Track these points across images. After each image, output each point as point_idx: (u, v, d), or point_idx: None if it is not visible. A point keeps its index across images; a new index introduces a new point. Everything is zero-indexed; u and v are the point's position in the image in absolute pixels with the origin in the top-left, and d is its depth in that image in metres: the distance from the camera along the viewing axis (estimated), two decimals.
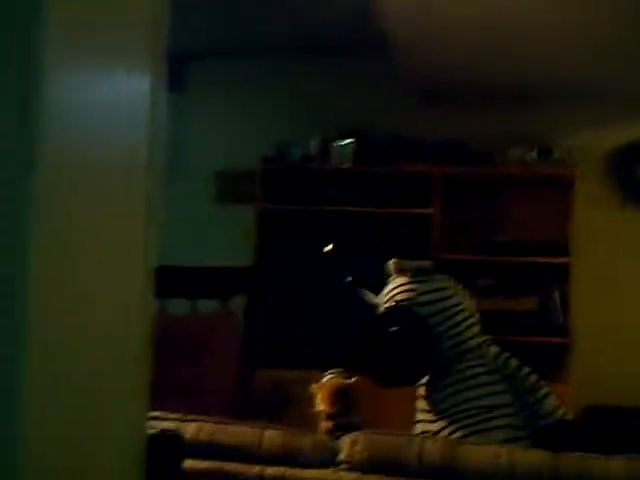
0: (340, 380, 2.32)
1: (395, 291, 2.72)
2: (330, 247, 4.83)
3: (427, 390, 2.66)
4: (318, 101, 5.42)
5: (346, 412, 2.22)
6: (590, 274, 5.02)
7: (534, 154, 4.91)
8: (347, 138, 5.08)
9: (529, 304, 4.75)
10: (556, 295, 4.75)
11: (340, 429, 2.15)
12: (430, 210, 4.90)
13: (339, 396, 2.25)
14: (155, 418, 2.05)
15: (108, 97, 1.14)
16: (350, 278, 3.20)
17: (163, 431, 1.50)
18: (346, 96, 5.41)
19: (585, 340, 4.86)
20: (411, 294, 2.68)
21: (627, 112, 5.14)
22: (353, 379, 2.35)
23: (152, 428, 1.61)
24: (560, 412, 2.55)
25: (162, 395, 3.60)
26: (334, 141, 5.07)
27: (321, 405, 2.25)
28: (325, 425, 2.20)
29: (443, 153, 5.04)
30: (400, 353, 2.62)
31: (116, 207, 1.16)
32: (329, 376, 2.35)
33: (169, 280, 4.20)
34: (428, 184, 4.91)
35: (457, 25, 4.02)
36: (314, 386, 2.32)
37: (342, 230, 5.06)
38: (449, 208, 5.16)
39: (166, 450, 1.48)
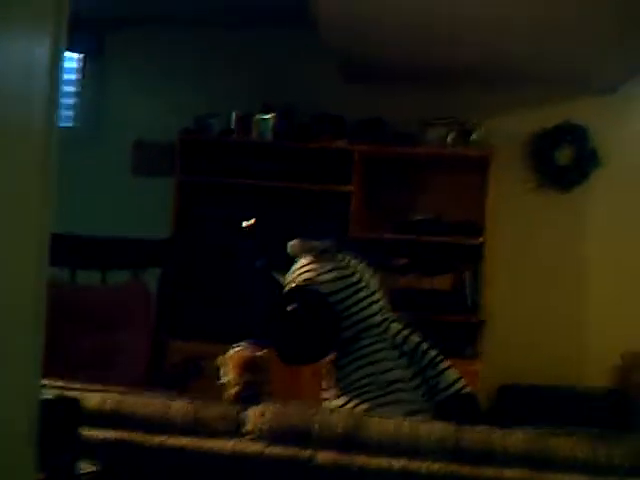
0: (249, 352, 2.32)
1: (298, 272, 2.76)
2: (249, 222, 4.82)
3: (330, 367, 2.70)
4: (239, 74, 5.38)
5: (253, 384, 2.21)
6: (503, 255, 5.12)
7: (453, 135, 4.97)
8: (268, 112, 5.05)
9: (443, 283, 4.83)
10: (468, 275, 4.83)
11: (245, 401, 2.15)
12: (350, 188, 4.91)
13: (247, 368, 2.25)
14: (60, 387, 2.02)
15: (5, 59, 1.10)
16: (261, 261, 3.22)
17: (58, 396, 1.47)
18: (269, 70, 5.38)
19: (498, 319, 4.96)
20: (312, 274, 2.72)
21: (546, 96, 5.24)
22: (262, 352, 2.35)
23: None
24: (458, 385, 2.61)
25: (74, 367, 3.54)
26: (255, 115, 5.03)
27: (228, 376, 2.24)
28: (229, 394, 2.20)
29: (364, 131, 5.06)
30: (303, 332, 2.66)
31: (9, 173, 1.13)
32: (238, 348, 2.34)
33: (80, 250, 4.12)
34: (348, 162, 4.92)
35: (380, 5, 4.02)
36: (221, 357, 2.31)
37: (261, 205, 5.04)
38: (368, 186, 5.19)
39: (61, 415, 1.46)
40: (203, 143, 5.12)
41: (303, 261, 2.78)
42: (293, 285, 2.75)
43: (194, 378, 3.65)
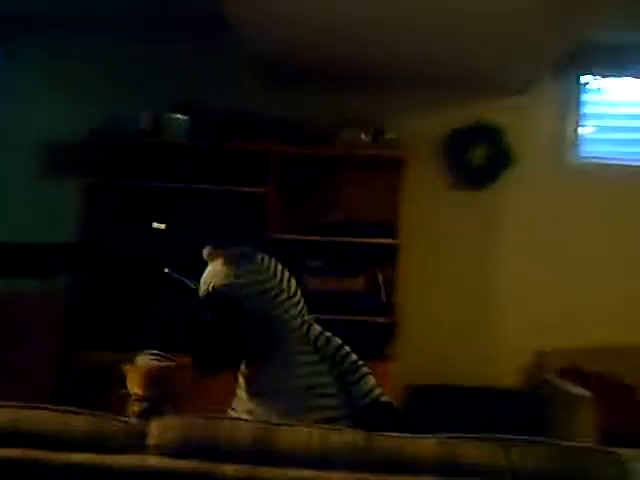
0: (156, 363, 2.22)
1: (211, 277, 2.66)
2: (160, 225, 4.72)
3: (247, 373, 2.62)
4: (153, 74, 5.28)
5: (159, 397, 2.12)
6: (418, 255, 5.14)
7: (367, 136, 4.96)
8: (183, 113, 4.96)
9: (358, 284, 4.81)
10: (382, 276, 4.83)
11: (150, 414, 2.07)
12: (266, 189, 4.86)
13: (152, 381, 2.15)
14: None
15: None
16: (170, 268, 3.13)
17: None
18: (184, 70, 5.29)
19: (412, 320, 4.98)
20: (227, 279, 2.62)
21: (459, 97, 5.29)
22: (170, 362, 2.26)
23: None
24: (376, 393, 2.57)
25: None
26: (168, 115, 4.93)
27: (132, 388, 2.14)
28: (134, 409, 2.10)
29: (280, 133, 5.02)
30: (218, 338, 2.57)
31: None
32: (144, 357, 2.24)
33: None
34: (264, 163, 4.87)
35: (296, 7, 3.98)
36: (127, 367, 2.20)
37: (175, 207, 4.95)
38: (284, 188, 5.15)
39: None
40: (113, 144, 4.99)
41: (218, 266, 2.69)
42: (209, 290, 2.65)
43: (106, 389, 3.55)
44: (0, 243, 3.90)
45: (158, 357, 2.28)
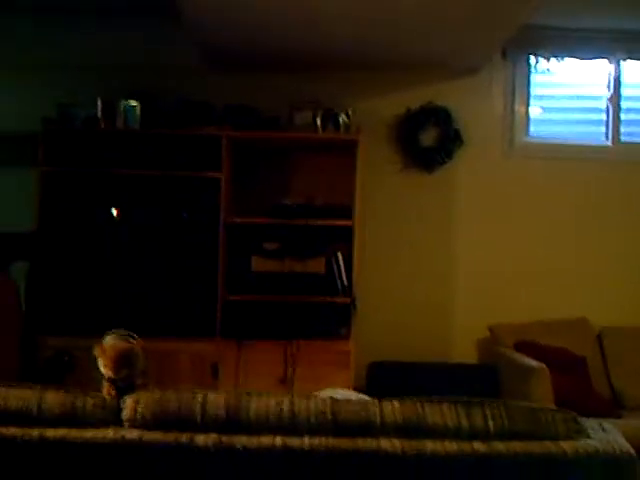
0: (123, 343, 2.28)
1: None
2: (115, 212, 4.73)
3: None
4: (104, 61, 5.25)
5: (130, 376, 2.18)
6: (373, 236, 5.23)
7: (320, 119, 5.01)
8: (134, 100, 4.96)
9: (316, 266, 4.88)
10: (339, 257, 4.90)
11: (123, 393, 2.13)
12: (219, 174, 4.89)
13: (122, 362, 2.20)
14: None
15: None
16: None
17: None
18: (134, 56, 5.27)
19: (368, 299, 5.06)
20: None
21: (410, 79, 5.36)
22: (135, 341, 2.30)
23: None
24: None
25: None
26: (119, 102, 4.93)
27: (104, 369, 2.19)
28: (108, 390, 2.14)
29: (232, 117, 5.03)
30: None
31: None
32: (111, 336, 2.29)
33: None
34: (217, 148, 4.90)
35: None
36: (97, 347, 2.25)
37: (130, 194, 4.96)
38: (238, 172, 5.19)
39: None
40: (67, 132, 4.98)
41: None
42: None
43: (67, 371, 3.57)
44: None
45: (125, 336, 2.32)
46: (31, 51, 5.28)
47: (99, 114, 4.94)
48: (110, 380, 2.18)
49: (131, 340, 2.32)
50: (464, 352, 5.28)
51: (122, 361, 2.22)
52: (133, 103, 4.92)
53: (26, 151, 5.05)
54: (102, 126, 4.92)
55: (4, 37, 5.26)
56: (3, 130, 5.20)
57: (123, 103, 4.91)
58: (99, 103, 4.93)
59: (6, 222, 4.61)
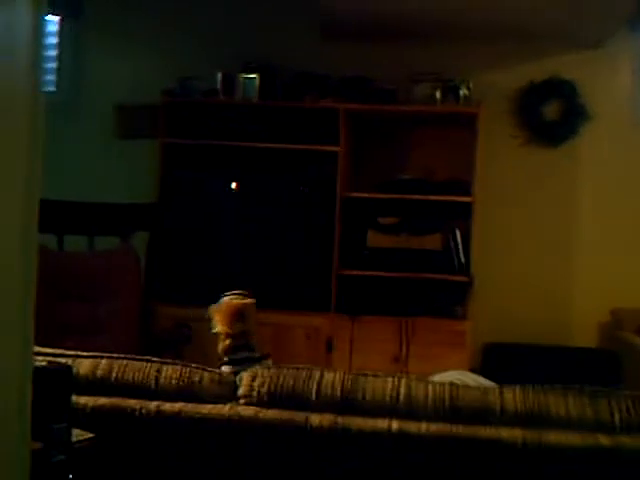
0: (237, 300, 2.32)
1: None
2: (235, 184, 4.78)
3: None
4: (222, 34, 5.29)
5: (244, 332, 2.24)
6: (492, 213, 5.09)
7: (439, 92, 4.90)
8: (252, 73, 4.97)
9: (433, 242, 4.79)
10: (458, 234, 4.80)
11: (238, 349, 2.18)
12: (337, 148, 4.85)
13: (237, 316, 2.26)
14: (50, 355, 1.99)
15: None
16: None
17: (50, 364, 1.44)
18: (251, 30, 5.29)
19: (487, 278, 4.94)
20: None
21: (533, 51, 5.19)
22: (250, 299, 2.35)
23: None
24: None
25: (63, 334, 3.50)
26: (239, 75, 4.95)
27: (219, 326, 2.26)
28: (223, 345, 2.21)
29: (349, 90, 4.99)
30: None
31: None
32: (227, 298, 2.35)
33: (67, 216, 4.07)
34: (335, 121, 4.86)
35: None
36: (212, 307, 2.32)
37: (247, 166, 4.99)
38: (355, 146, 5.14)
39: (53, 383, 1.43)
40: (187, 104, 5.04)
41: None
42: None
43: (185, 343, 3.64)
44: (83, 203, 3.99)
45: (240, 295, 2.37)
46: (152, 25, 5.36)
47: (218, 86, 4.98)
48: (225, 336, 2.24)
49: (245, 298, 2.37)
50: (584, 336, 5.10)
51: (236, 316, 2.28)
52: (252, 75, 4.94)
53: (148, 123, 5.15)
54: (221, 98, 4.97)
55: (126, 12, 5.35)
56: (124, 102, 5.31)
57: (242, 75, 4.94)
58: (219, 76, 4.98)
59: (130, 193, 4.71)
